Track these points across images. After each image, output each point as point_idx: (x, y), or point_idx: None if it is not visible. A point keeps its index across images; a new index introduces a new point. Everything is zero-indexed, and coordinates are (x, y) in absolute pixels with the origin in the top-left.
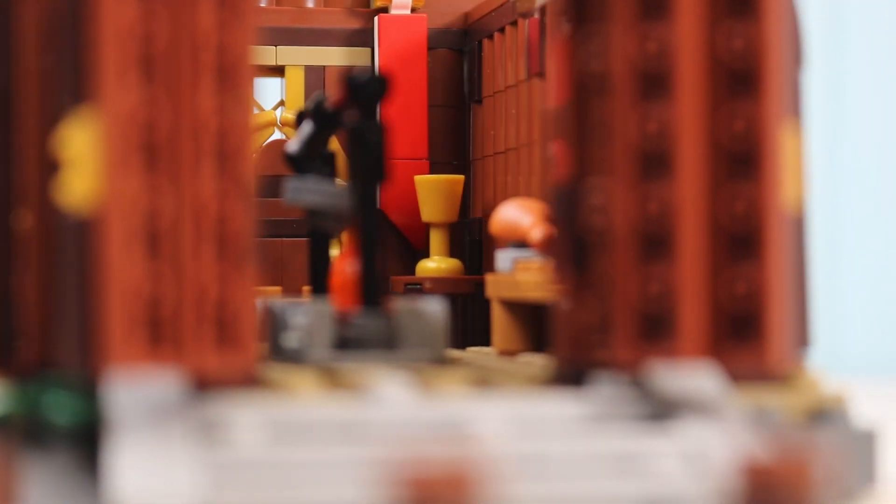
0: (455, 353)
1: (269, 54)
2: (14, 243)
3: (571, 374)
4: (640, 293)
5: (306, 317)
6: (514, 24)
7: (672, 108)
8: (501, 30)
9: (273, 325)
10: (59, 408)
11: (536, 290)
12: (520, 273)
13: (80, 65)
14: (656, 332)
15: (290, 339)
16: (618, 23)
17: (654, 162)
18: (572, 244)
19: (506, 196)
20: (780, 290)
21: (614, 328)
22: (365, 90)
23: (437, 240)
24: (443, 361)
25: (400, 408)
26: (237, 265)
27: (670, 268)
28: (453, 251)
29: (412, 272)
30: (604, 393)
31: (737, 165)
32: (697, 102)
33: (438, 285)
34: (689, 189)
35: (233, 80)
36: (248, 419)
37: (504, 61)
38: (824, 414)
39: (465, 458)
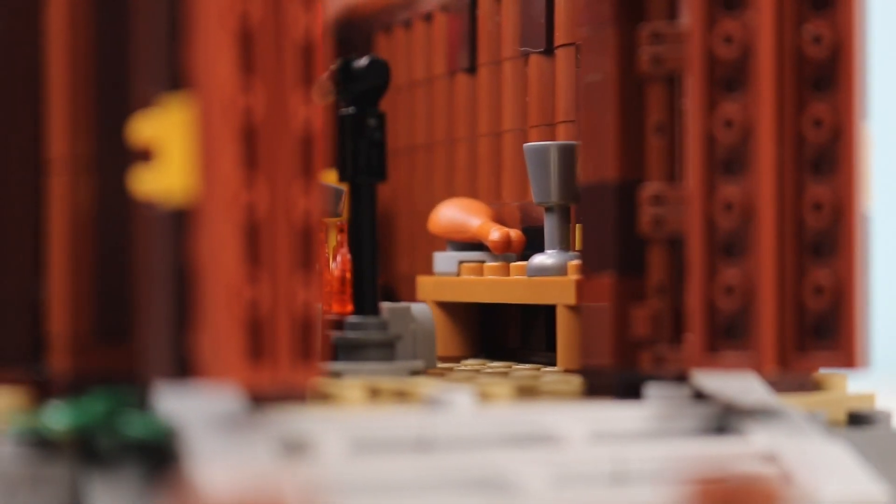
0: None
1: None
2: (36, 246)
3: (622, 383)
4: (713, 297)
5: None
6: (429, 18)
7: (750, 104)
8: (407, 23)
9: None
10: (136, 422)
11: (485, 293)
12: (467, 275)
13: (173, 45)
14: (728, 338)
15: None
16: (694, 17)
17: (728, 159)
18: (621, 247)
19: (410, 195)
20: (861, 291)
21: (679, 335)
22: (365, 77)
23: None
24: (437, 369)
25: (472, 418)
26: (314, 267)
27: (746, 270)
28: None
29: None
30: (665, 401)
31: (818, 163)
32: (776, 98)
33: None
34: (766, 188)
35: (313, 66)
36: (330, 434)
37: (412, 56)
38: (862, 416)
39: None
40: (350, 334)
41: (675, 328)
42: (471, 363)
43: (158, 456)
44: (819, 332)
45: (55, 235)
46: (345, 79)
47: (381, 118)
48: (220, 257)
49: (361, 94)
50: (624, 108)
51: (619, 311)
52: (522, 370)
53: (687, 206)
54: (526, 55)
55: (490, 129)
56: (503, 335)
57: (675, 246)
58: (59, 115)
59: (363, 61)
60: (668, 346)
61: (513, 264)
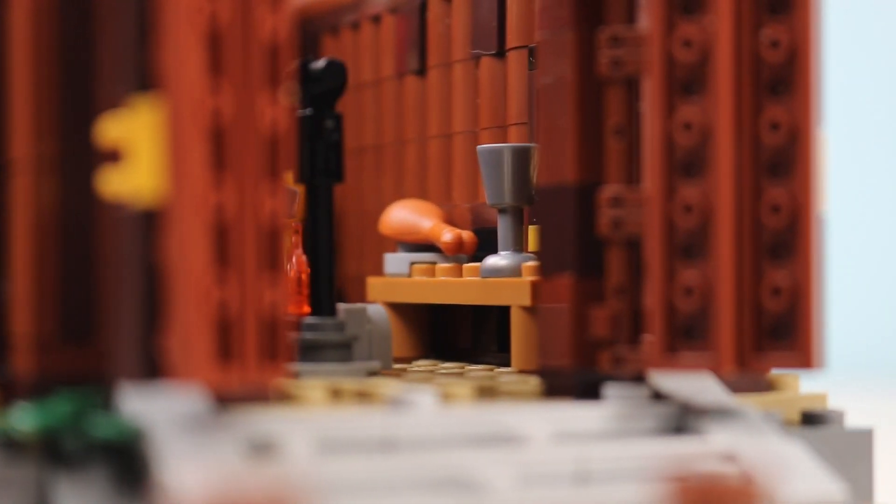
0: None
1: None
2: (5, 247)
3: (581, 384)
4: (672, 298)
5: None
6: (377, 19)
7: (709, 107)
8: (354, 25)
9: None
10: (103, 423)
11: (435, 294)
12: (418, 276)
13: (142, 46)
14: (687, 339)
15: None
16: (653, 21)
17: (690, 162)
18: (580, 248)
19: (361, 196)
20: (818, 292)
21: (636, 335)
22: (323, 79)
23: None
24: (393, 369)
25: (434, 418)
26: (280, 268)
27: (704, 272)
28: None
29: None
30: (623, 401)
31: (775, 165)
32: (735, 101)
33: None
34: (724, 190)
35: (280, 68)
36: (295, 434)
37: (358, 58)
38: (815, 415)
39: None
40: (307, 335)
41: (634, 329)
42: (424, 364)
43: (126, 457)
44: (776, 332)
45: (18, 236)
46: (302, 80)
47: (338, 120)
48: (188, 258)
49: (319, 96)
50: (583, 110)
51: (578, 312)
52: (477, 371)
53: (646, 208)
54: (477, 57)
55: (440, 130)
56: (454, 336)
57: (634, 247)
58: (22, 114)
59: (320, 63)
60: (627, 346)
61: (465, 265)
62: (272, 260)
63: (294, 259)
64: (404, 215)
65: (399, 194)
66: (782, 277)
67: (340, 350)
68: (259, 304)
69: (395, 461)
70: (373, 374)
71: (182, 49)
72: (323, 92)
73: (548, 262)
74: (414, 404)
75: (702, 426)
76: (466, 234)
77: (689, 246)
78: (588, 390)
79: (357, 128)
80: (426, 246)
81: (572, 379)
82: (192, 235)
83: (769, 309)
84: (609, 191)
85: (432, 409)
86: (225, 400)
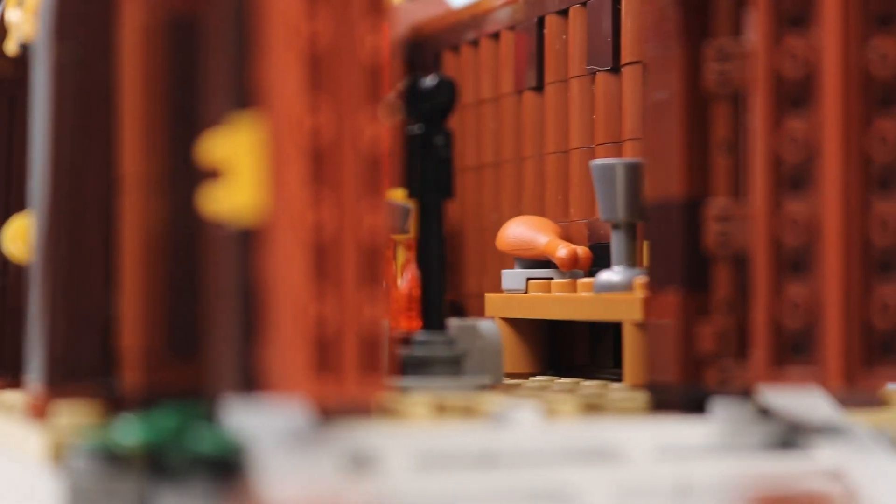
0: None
1: None
2: (110, 263)
3: (688, 399)
4: (779, 314)
5: None
6: (496, 36)
7: (815, 122)
8: (474, 42)
9: None
10: (204, 437)
11: (552, 309)
12: (534, 292)
13: (242, 66)
14: (794, 354)
15: None
16: (759, 35)
17: (794, 177)
18: (689, 263)
19: (480, 213)
20: None
21: (744, 350)
22: (432, 97)
23: (401, 256)
24: (503, 384)
25: (537, 434)
26: (380, 284)
27: (811, 287)
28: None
29: None
30: (730, 417)
31: (884, 180)
32: (841, 116)
33: None
34: (832, 205)
35: (380, 86)
36: (395, 449)
37: (479, 74)
38: None
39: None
40: (417, 351)
41: (741, 344)
42: (538, 379)
43: (227, 471)
44: (886, 348)
45: (128, 252)
46: (412, 98)
47: (448, 136)
48: (287, 275)
49: (429, 113)
50: (690, 125)
51: (685, 327)
52: (590, 386)
53: (752, 223)
54: (593, 73)
55: (557, 146)
56: (571, 352)
57: (741, 262)
58: (132, 133)
59: (431, 80)
60: (734, 361)
61: (580, 281)
62: (372, 276)
63: (407, 275)
64: (521, 231)
65: (517, 210)
66: (891, 293)
67: (450, 365)
68: (358, 319)
69: (493, 477)
70: (482, 389)
71: (282, 68)
72: (433, 109)
73: (655, 278)
74: (515, 420)
75: (808, 443)
76: (581, 250)
77: (796, 261)
78: (694, 406)
79: (477, 145)
80: (543, 262)
81: (679, 394)
82: (290, 253)
83: (878, 325)
84: (715, 206)
85: (533, 424)
86: (327, 414)
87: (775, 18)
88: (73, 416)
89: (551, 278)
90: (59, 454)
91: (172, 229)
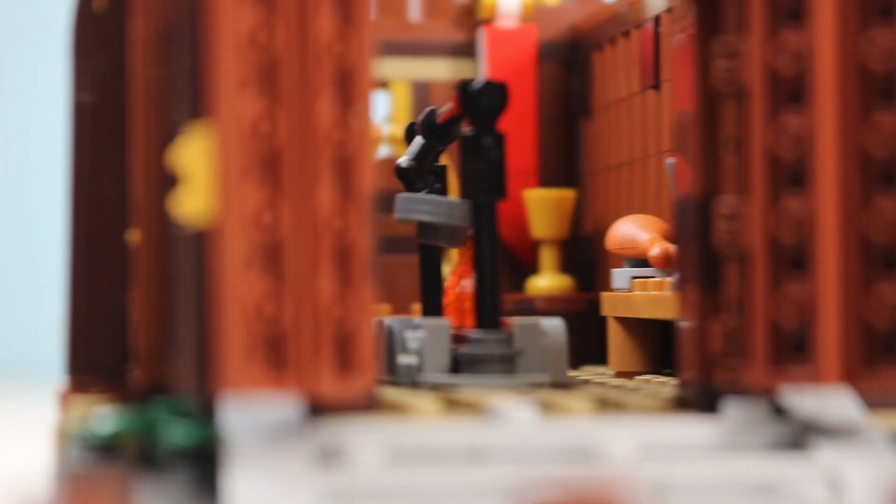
0: (571, 372)
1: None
2: (126, 262)
3: (702, 398)
4: (777, 313)
5: (422, 336)
6: (627, 34)
7: (811, 118)
8: (612, 41)
9: (388, 345)
10: (175, 429)
11: (655, 309)
12: (637, 291)
13: (196, 75)
14: (793, 353)
15: (406, 360)
16: (754, 31)
17: (792, 174)
18: (702, 262)
19: (618, 212)
20: None
21: (749, 350)
22: (480, 99)
23: (547, 256)
24: (564, 383)
25: (524, 431)
26: (356, 283)
27: (809, 286)
28: (564, 268)
29: (520, 289)
30: (737, 417)
31: (881, 176)
32: (837, 111)
33: (549, 303)
34: (828, 202)
35: (351, 91)
36: (366, 443)
37: (615, 73)
38: None
39: (596, 482)
40: (469, 349)
41: (748, 343)
42: (643, 378)
43: (209, 463)
44: (887, 348)
45: (137, 252)
46: (464, 101)
47: (498, 138)
48: (232, 274)
49: (479, 116)
50: (702, 123)
51: (700, 326)
52: (666, 384)
53: (748, 222)
54: None
55: (672, 145)
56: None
57: (746, 261)
58: (137, 146)
59: (478, 83)
60: (741, 360)
61: (667, 280)
62: (345, 275)
63: (462, 274)
64: (626, 230)
65: (643, 210)
66: (891, 291)
67: (503, 363)
68: (317, 316)
69: (450, 473)
70: (537, 387)
71: (226, 74)
72: (482, 111)
73: (680, 277)
74: (509, 417)
75: (814, 444)
76: (674, 249)
77: (794, 259)
78: (708, 405)
79: (616, 144)
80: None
81: (695, 393)
82: (235, 253)
83: (878, 324)
84: (723, 204)
85: (526, 422)
86: (316, 411)
87: (770, 12)
88: (83, 408)
89: (653, 277)
90: (62, 443)
91: (162, 233)
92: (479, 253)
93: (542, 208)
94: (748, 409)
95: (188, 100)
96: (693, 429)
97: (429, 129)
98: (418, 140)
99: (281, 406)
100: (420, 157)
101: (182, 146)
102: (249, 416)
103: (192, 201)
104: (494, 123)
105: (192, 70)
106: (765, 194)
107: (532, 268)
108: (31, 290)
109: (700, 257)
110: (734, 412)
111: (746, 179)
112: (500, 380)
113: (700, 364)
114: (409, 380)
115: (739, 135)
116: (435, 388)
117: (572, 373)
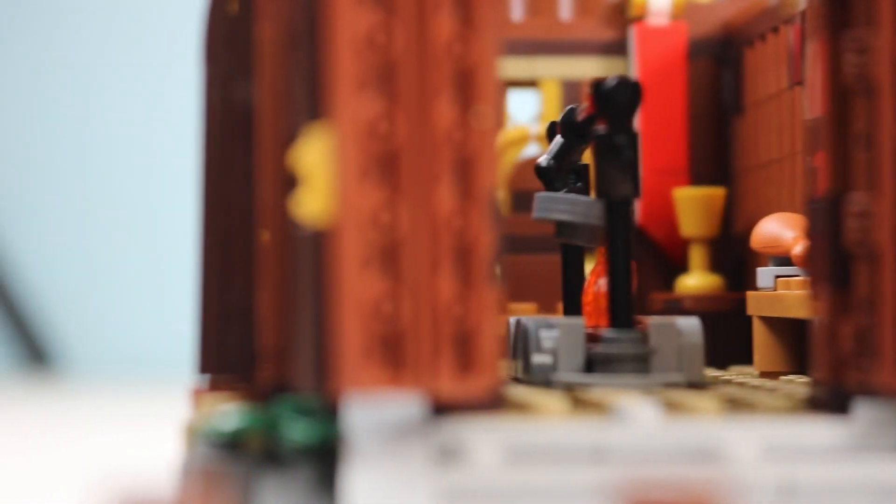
0: (715, 373)
1: (524, 67)
2: (254, 263)
3: (832, 399)
4: None
5: (556, 335)
6: (776, 30)
7: None
8: (762, 36)
9: (523, 344)
10: (296, 427)
11: (799, 308)
12: (782, 290)
13: (316, 77)
14: None
15: (540, 359)
16: (884, 24)
17: None
18: (833, 260)
19: (769, 210)
20: None
21: (878, 350)
22: (613, 97)
23: (697, 255)
24: (699, 382)
25: (645, 430)
26: (477, 283)
27: None
28: (714, 267)
29: (670, 288)
30: (867, 419)
31: None
32: None
33: (698, 303)
34: None
35: (472, 92)
36: (485, 442)
37: (765, 69)
38: None
39: (711, 482)
40: (602, 348)
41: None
42: (786, 378)
43: (333, 461)
44: None
45: (262, 254)
46: (597, 99)
47: (632, 136)
48: (349, 274)
49: (612, 114)
50: (833, 120)
51: (830, 326)
52: (796, 383)
53: (877, 220)
54: None
55: None
56: None
57: (875, 259)
58: (263, 147)
59: (610, 81)
60: (871, 360)
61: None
62: (466, 274)
63: (598, 273)
64: (771, 228)
65: (792, 208)
66: None
67: (637, 363)
68: (438, 317)
69: (566, 472)
70: (671, 386)
71: (349, 78)
72: (614, 109)
73: (812, 275)
74: (633, 416)
75: None
76: None
77: None
78: (838, 405)
79: (767, 141)
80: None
81: (826, 394)
82: (354, 254)
83: None
84: (854, 202)
85: (649, 421)
86: (441, 410)
87: None
88: (212, 406)
89: (797, 275)
90: (189, 440)
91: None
92: (612, 252)
93: (691, 207)
94: (879, 411)
95: (309, 101)
96: (821, 430)
97: (568, 127)
98: (558, 139)
99: (402, 405)
100: (559, 156)
101: (302, 147)
102: (370, 414)
103: (312, 202)
104: (628, 121)
105: (312, 71)
106: (894, 191)
107: (682, 267)
108: (168, 287)
109: (831, 256)
110: (864, 413)
111: (876, 176)
112: (633, 379)
113: (830, 364)
114: (543, 379)
115: (869, 131)
116: (567, 387)
117: (717, 373)
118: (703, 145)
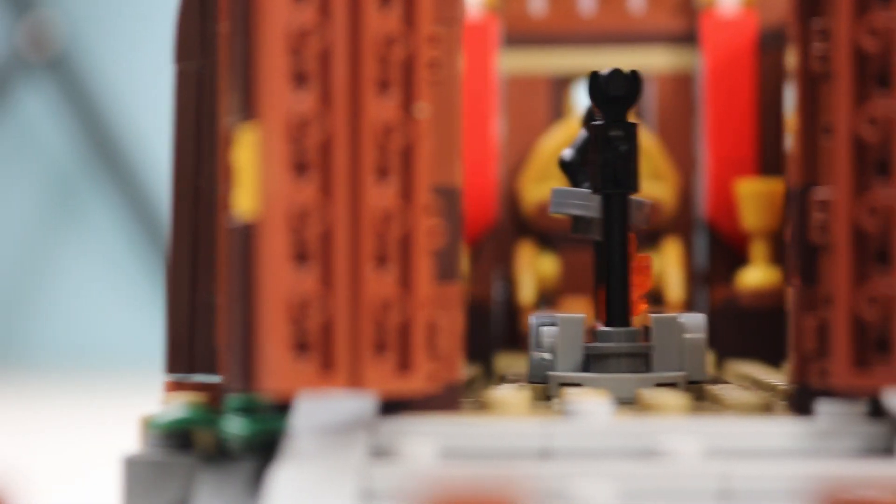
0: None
1: (593, 58)
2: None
3: (797, 398)
4: (858, 308)
5: (555, 332)
6: None
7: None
8: None
9: (532, 341)
10: (233, 422)
11: None
12: None
13: (247, 73)
14: (876, 352)
15: (540, 355)
16: (841, 9)
17: (879, 161)
18: (800, 254)
19: None
20: None
21: (832, 347)
22: (607, 89)
23: (758, 249)
24: (701, 380)
25: (594, 428)
26: (415, 278)
27: (892, 281)
28: (777, 261)
29: (731, 282)
30: (826, 420)
31: None
32: None
33: (756, 299)
34: None
35: (407, 86)
36: (418, 443)
37: None
38: None
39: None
40: (597, 345)
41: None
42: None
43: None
44: None
45: (220, 252)
46: (591, 90)
47: (629, 129)
48: (273, 268)
49: (606, 106)
50: (802, 108)
51: (797, 322)
52: None
53: (832, 211)
54: None
55: None
56: None
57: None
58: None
59: (606, 73)
60: (831, 359)
61: None
62: (402, 272)
63: None
64: None
65: None
66: None
67: (635, 360)
68: (373, 314)
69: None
70: (668, 384)
71: (274, 77)
72: (610, 101)
73: (786, 270)
74: (583, 414)
75: None
76: None
77: (881, 251)
78: (802, 405)
79: None
80: None
81: (794, 393)
82: (280, 249)
83: None
84: (818, 194)
85: (599, 419)
86: (396, 407)
87: None
88: (172, 403)
89: None
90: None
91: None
92: (609, 247)
93: (752, 200)
94: (840, 410)
95: (242, 97)
96: (773, 430)
97: (590, 121)
98: (581, 133)
99: (344, 404)
100: (582, 149)
101: (236, 142)
102: (311, 412)
103: (243, 197)
104: (624, 113)
105: (244, 67)
106: (849, 182)
107: (745, 260)
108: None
109: (799, 249)
110: (825, 414)
111: (833, 165)
112: (626, 377)
113: (796, 362)
114: (541, 375)
115: (829, 120)
116: (562, 384)
117: (766, 370)
118: (772, 137)
